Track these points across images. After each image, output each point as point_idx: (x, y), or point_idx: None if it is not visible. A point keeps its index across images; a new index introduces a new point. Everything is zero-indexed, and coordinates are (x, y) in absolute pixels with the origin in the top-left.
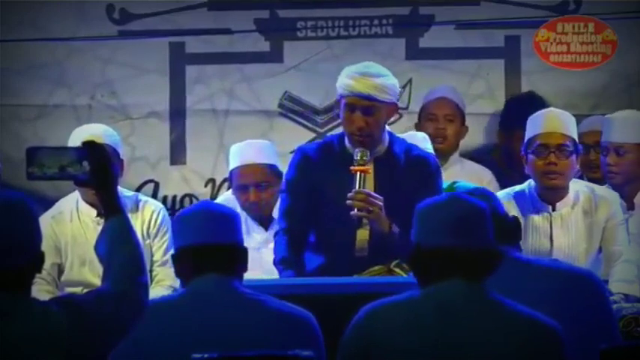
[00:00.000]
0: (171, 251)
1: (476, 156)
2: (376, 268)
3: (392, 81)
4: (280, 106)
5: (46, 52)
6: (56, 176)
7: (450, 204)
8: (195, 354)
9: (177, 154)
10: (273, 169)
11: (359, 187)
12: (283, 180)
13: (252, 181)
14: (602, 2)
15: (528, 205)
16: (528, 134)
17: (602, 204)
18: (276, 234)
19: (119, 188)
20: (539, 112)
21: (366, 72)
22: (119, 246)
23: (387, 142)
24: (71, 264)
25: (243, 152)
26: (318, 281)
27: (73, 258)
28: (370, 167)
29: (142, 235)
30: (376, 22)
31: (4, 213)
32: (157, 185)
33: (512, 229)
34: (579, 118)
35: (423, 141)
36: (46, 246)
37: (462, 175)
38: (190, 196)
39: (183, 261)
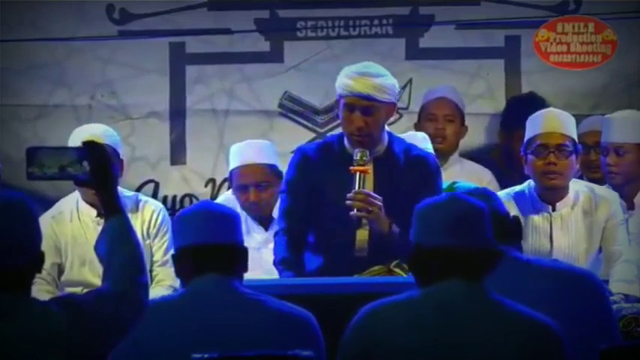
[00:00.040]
0: (172, 251)
1: (475, 156)
2: (376, 268)
3: (391, 81)
4: (280, 106)
5: (46, 52)
6: (56, 176)
7: (450, 204)
8: (195, 354)
9: (178, 154)
10: (273, 169)
11: (358, 187)
12: (283, 180)
13: (252, 181)
14: (602, 2)
15: (528, 206)
16: (528, 134)
17: (602, 204)
18: (275, 234)
19: (119, 188)
20: (538, 113)
21: (366, 72)
22: (119, 246)
23: (386, 142)
24: (71, 264)
25: (243, 152)
26: (318, 281)
27: (73, 258)
28: (370, 167)
29: (142, 235)
30: (376, 22)
31: (4, 213)
32: (157, 185)
33: (513, 229)
34: (579, 118)
35: (422, 141)
36: (46, 246)
37: (462, 175)
38: (190, 196)
39: (184, 261)
